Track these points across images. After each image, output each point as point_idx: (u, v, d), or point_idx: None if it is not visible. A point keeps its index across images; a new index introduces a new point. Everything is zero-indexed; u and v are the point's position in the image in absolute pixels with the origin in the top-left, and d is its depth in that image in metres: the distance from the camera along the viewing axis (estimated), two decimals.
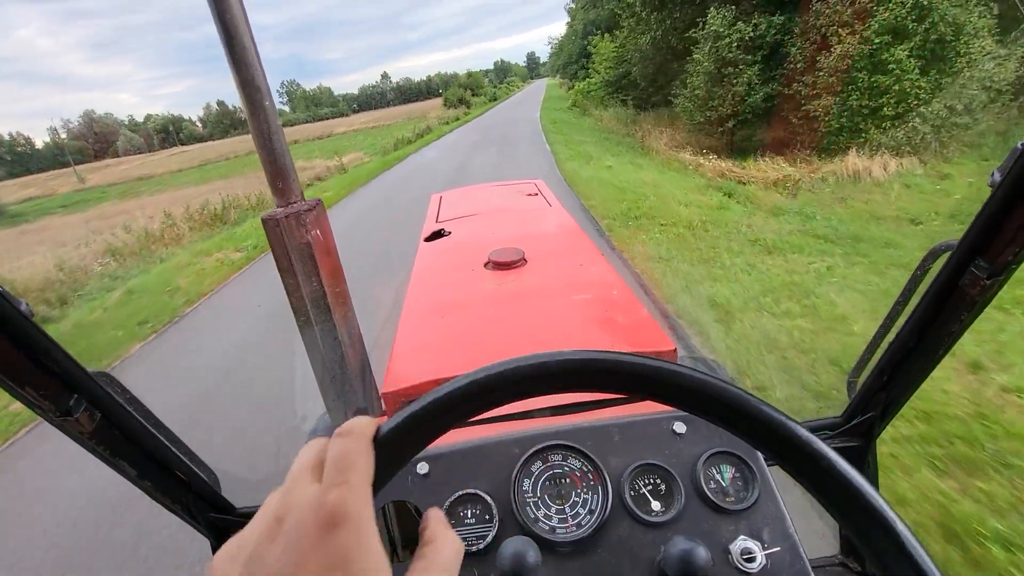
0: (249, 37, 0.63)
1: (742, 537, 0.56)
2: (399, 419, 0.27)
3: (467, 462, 0.65)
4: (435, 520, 0.27)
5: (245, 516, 0.67)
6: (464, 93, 48.11)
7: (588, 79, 22.14)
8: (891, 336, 0.60)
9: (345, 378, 0.66)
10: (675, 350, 1.01)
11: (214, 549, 0.64)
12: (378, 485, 0.25)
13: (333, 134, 42.70)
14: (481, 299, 1.37)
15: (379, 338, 2.55)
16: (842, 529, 0.68)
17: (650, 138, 11.71)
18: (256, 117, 0.63)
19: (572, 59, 30.71)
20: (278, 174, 0.64)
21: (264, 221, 0.62)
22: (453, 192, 2.88)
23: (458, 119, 31.47)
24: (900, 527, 0.24)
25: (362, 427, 0.26)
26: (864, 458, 0.68)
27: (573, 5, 36.54)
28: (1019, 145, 0.41)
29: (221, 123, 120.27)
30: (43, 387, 0.44)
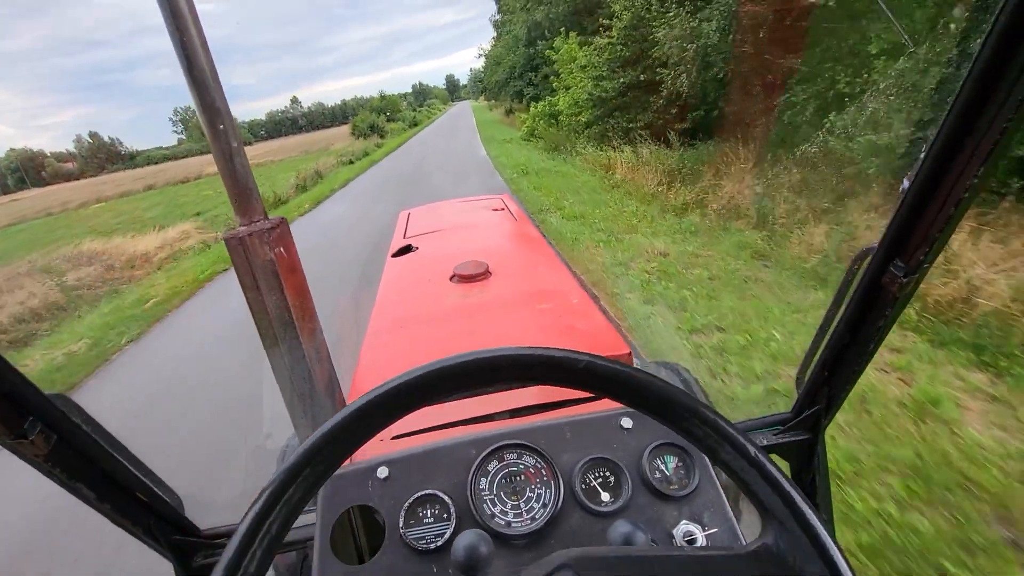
0: (208, 58, 0.89)
1: (684, 521, 0.80)
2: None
3: (426, 465, 0.87)
4: None
5: (209, 538, 0.84)
6: (377, 119, 49.60)
7: (550, 98, 19.72)
8: (829, 333, 0.86)
9: (313, 395, 0.86)
10: (630, 353, 1.36)
11: (177, 572, 0.80)
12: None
13: (203, 175, 42.62)
14: (446, 311, 1.76)
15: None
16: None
17: None
18: (217, 138, 0.87)
19: (514, 74, 29.97)
20: (240, 193, 0.86)
21: (226, 240, 0.84)
22: (421, 209, 3.76)
23: (367, 153, 30.59)
24: (817, 525, 0.40)
25: None
26: (814, 449, 0.97)
27: (499, 17, 38.86)
28: (920, 155, 0.62)
29: (96, 157, 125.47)
30: None
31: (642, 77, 11.96)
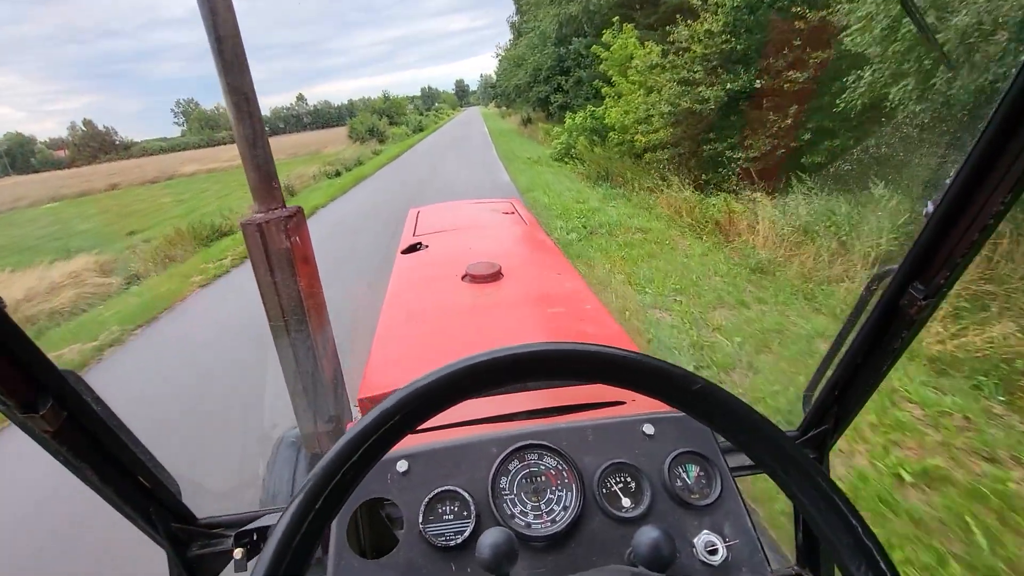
0: (239, 43, 1.04)
1: (705, 531, 0.90)
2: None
3: (446, 461, 0.99)
4: None
5: (206, 527, 0.95)
6: (379, 121, 50.36)
7: (592, 107, 17.64)
8: (842, 353, 0.97)
9: (317, 387, 0.98)
10: None
11: (171, 560, 0.91)
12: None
13: (176, 175, 43.27)
14: (458, 310, 1.99)
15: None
16: (798, 535, 1.06)
17: None
18: (242, 123, 1.02)
19: (538, 77, 28.12)
20: (262, 179, 1.01)
21: (243, 226, 0.98)
22: (430, 207, 4.19)
23: (361, 162, 28.74)
24: (861, 525, 0.47)
25: None
26: None
27: (518, 18, 39.56)
28: (947, 182, 0.69)
29: (88, 146, 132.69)
30: (8, 378, 0.61)
31: (758, 84, 9.40)
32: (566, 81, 24.30)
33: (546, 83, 27.19)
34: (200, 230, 13.40)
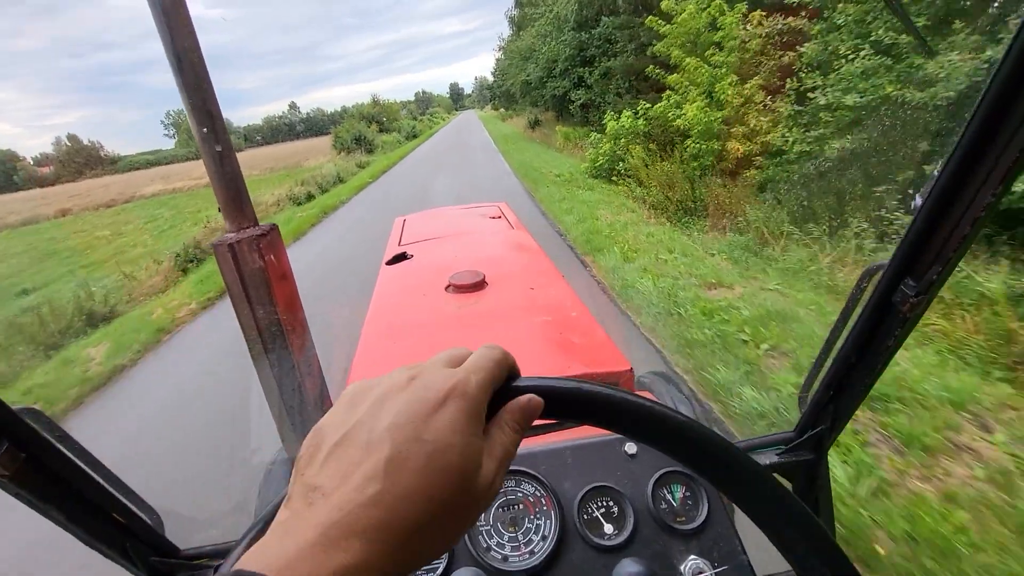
0: (201, 62, 1.16)
1: (692, 557, 0.96)
2: (537, 379, 0.53)
3: None
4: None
5: (190, 559, 1.04)
6: (367, 129, 50.31)
7: (645, 105, 14.32)
8: (835, 352, 1.04)
9: (303, 408, 1.08)
10: (631, 370, 1.66)
11: None
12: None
13: (135, 197, 43.61)
14: (440, 322, 2.16)
15: None
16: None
17: None
18: (207, 141, 1.13)
19: (553, 71, 26.24)
20: (231, 198, 1.12)
21: (215, 247, 1.09)
22: (416, 216, 4.59)
23: (342, 180, 26.58)
24: (836, 549, 0.52)
25: (506, 355, 0.53)
26: (817, 470, 1.16)
27: (516, 12, 40.36)
28: (935, 172, 0.75)
29: (73, 162, 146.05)
30: None
31: None
32: (590, 73, 22.57)
33: (563, 77, 25.30)
34: (83, 303, 9.84)
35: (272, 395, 1.08)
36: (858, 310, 0.97)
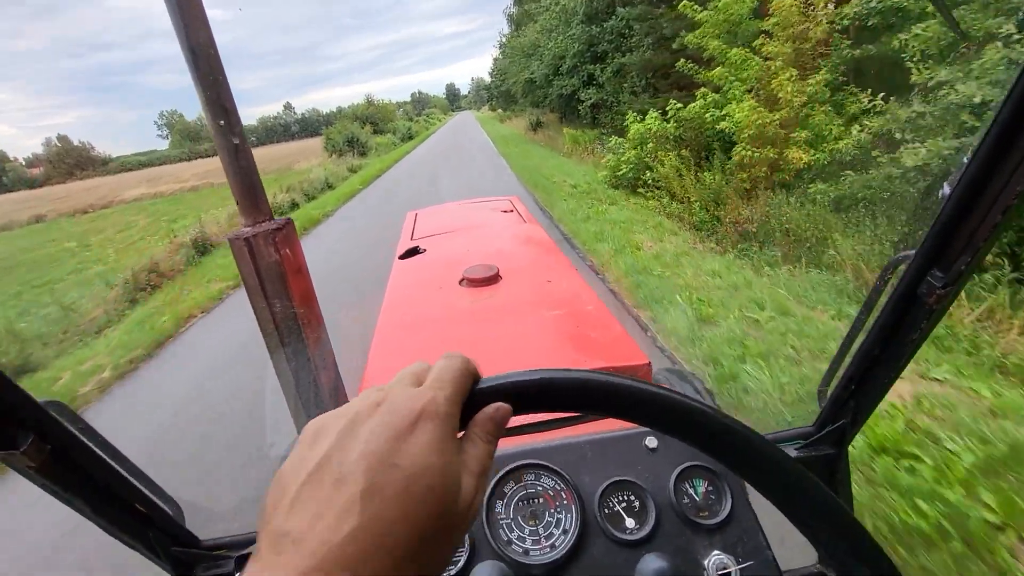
0: (216, 57, 1.22)
1: (716, 552, 0.98)
2: (500, 378, 0.54)
3: None
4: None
5: (210, 549, 1.10)
6: (360, 130, 49.65)
7: (675, 105, 12.56)
8: (857, 345, 1.06)
9: (318, 401, 1.14)
10: (648, 364, 1.71)
11: None
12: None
13: (114, 202, 43.27)
14: (455, 316, 2.20)
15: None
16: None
17: None
18: (223, 135, 1.19)
19: (560, 68, 25.47)
20: (246, 192, 1.18)
21: (231, 241, 1.15)
22: (429, 209, 4.94)
23: (331, 186, 25.90)
24: (864, 535, 0.52)
25: (467, 362, 0.54)
26: (837, 464, 1.19)
27: (516, 9, 40.44)
28: (964, 159, 0.75)
29: (63, 163, 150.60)
30: None
31: None
32: (601, 71, 21.65)
33: (570, 75, 24.40)
34: None
35: (288, 388, 1.14)
36: (881, 302, 0.98)
